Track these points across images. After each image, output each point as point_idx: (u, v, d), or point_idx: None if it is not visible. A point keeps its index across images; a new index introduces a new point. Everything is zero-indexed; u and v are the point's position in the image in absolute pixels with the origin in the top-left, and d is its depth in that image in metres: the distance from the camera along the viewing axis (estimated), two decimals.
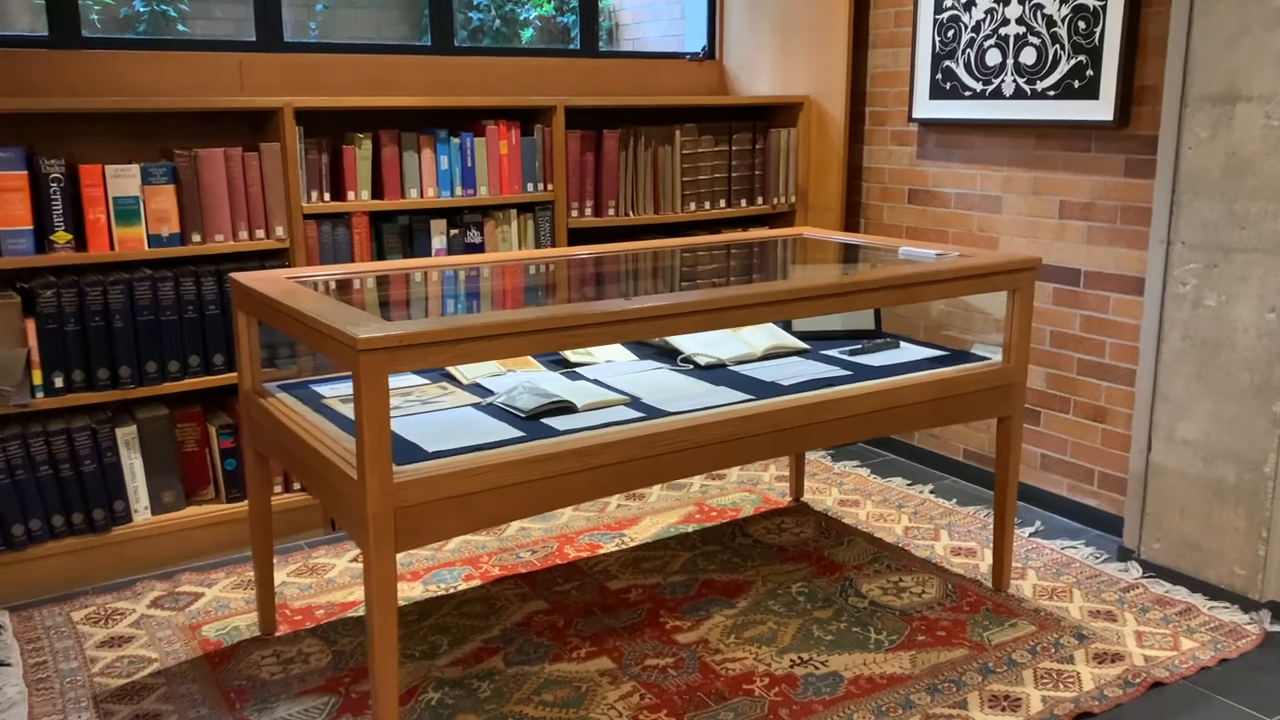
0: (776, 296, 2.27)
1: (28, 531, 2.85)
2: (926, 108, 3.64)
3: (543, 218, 3.49)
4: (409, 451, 2.07)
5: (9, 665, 2.55)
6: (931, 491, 3.64)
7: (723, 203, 3.89)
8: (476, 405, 2.40)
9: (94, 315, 2.87)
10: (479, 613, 2.79)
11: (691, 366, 2.73)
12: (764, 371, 2.68)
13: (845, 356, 2.83)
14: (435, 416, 2.31)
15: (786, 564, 3.07)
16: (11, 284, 2.86)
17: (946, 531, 3.31)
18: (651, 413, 2.33)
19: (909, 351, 2.90)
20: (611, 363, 2.78)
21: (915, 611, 2.79)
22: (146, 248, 2.93)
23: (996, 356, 2.79)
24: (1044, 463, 3.48)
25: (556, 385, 2.48)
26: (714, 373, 2.68)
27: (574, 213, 3.57)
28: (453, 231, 3.36)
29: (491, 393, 2.48)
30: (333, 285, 2.52)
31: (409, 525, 1.94)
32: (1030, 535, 3.28)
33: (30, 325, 2.80)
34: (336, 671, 2.51)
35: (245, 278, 2.44)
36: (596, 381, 2.58)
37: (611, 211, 3.64)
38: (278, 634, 2.70)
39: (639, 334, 2.14)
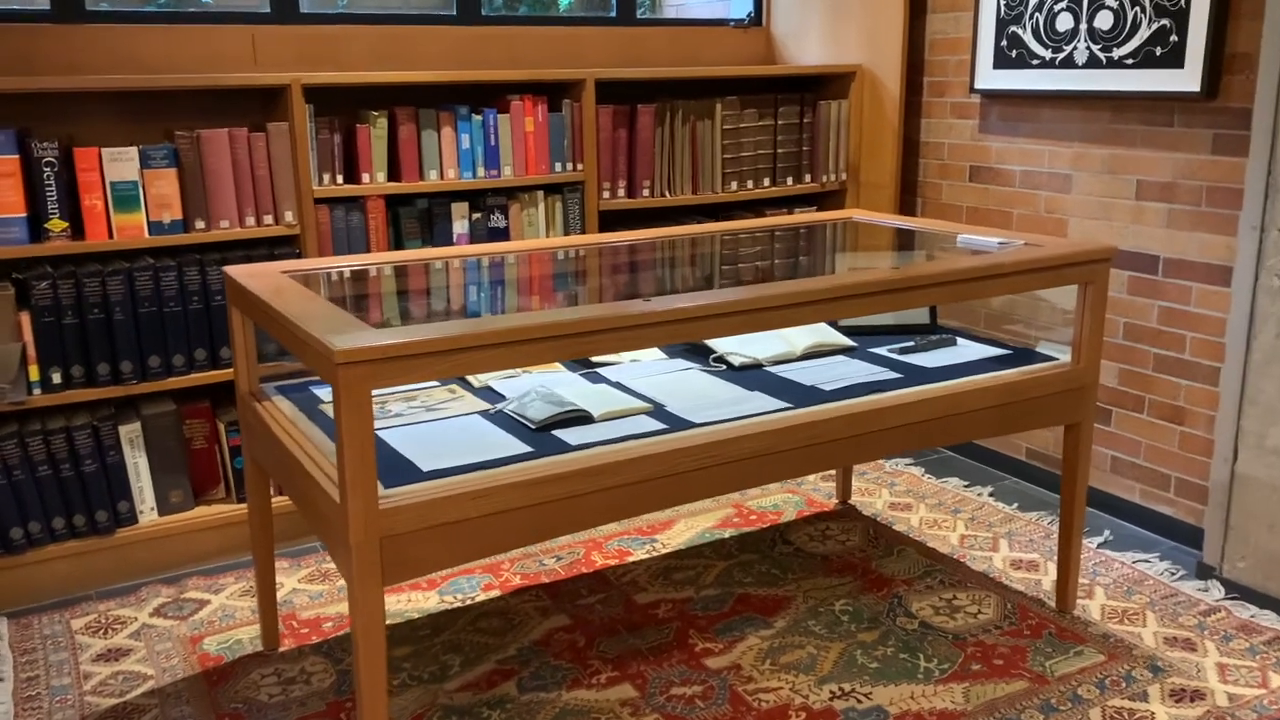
0: (811, 296, 2.03)
1: (27, 535, 2.71)
2: (990, 78, 3.34)
3: (572, 200, 3.26)
4: (401, 470, 1.88)
5: (1, 680, 2.42)
6: (991, 494, 3.38)
7: (767, 181, 3.63)
8: (485, 413, 2.19)
9: (93, 307, 2.71)
10: (495, 628, 2.60)
11: (724, 367, 2.50)
12: (804, 373, 2.44)
13: (895, 356, 2.58)
14: (438, 427, 2.11)
15: (830, 577, 2.84)
16: (6, 275, 2.71)
17: (1006, 541, 3.05)
18: (675, 423, 2.10)
19: (966, 349, 2.63)
20: (638, 362, 2.56)
21: (970, 635, 2.54)
22: (147, 235, 2.76)
23: (1064, 356, 2.51)
24: (1115, 466, 3.20)
25: (574, 390, 2.26)
26: (748, 375, 2.45)
27: (605, 194, 3.33)
28: (475, 215, 3.15)
29: (503, 397, 2.27)
30: (333, 280, 2.33)
31: (397, 556, 1.75)
32: (1098, 546, 3.01)
33: (25, 318, 2.65)
34: (338, 695, 2.34)
35: (238, 272, 2.25)
36: (619, 385, 2.36)
37: (646, 192, 3.40)
38: (281, 649, 2.53)
39: (656, 340, 1.91)
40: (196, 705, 2.31)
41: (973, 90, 3.40)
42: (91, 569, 2.81)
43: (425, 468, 1.88)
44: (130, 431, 2.83)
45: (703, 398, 2.26)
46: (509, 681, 2.38)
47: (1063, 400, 2.46)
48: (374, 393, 1.67)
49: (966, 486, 3.44)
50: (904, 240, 2.83)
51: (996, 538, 3.07)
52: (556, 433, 2.06)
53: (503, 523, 1.82)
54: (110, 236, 2.72)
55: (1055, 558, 2.89)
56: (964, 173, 3.54)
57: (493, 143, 3.13)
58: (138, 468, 2.85)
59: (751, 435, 2.04)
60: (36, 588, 2.75)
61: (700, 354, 2.60)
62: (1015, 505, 3.29)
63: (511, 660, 2.46)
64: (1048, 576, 2.84)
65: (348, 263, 2.46)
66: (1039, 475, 3.43)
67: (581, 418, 2.12)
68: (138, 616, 2.69)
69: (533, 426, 2.08)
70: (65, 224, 2.67)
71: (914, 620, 2.61)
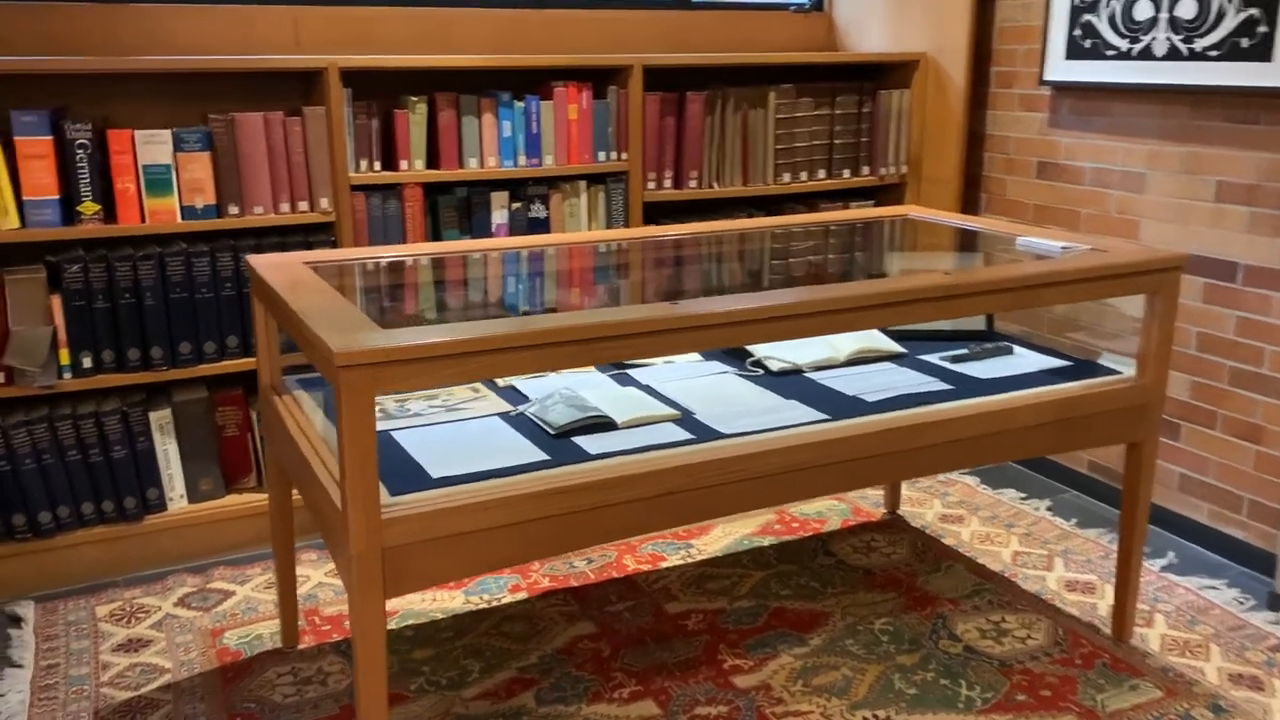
0: (845, 304, 1.89)
1: (55, 519, 2.70)
2: (1061, 69, 3.15)
3: (615, 190, 3.15)
4: (410, 475, 1.79)
5: (20, 667, 2.40)
6: (1048, 509, 3.21)
7: (822, 174, 3.48)
8: (506, 415, 2.10)
9: (124, 292, 2.67)
10: (519, 633, 2.52)
11: (761, 372, 2.38)
12: (847, 381, 2.31)
13: (947, 364, 2.43)
14: (455, 429, 2.02)
15: (872, 592, 2.70)
16: (39, 258, 2.68)
17: (1062, 560, 2.89)
18: (702, 433, 1.99)
19: (1023, 359, 2.48)
20: (671, 363, 2.45)
21: (1017, 662, 2.40)
22: (180, 220, 2.71)
23: (1129, 370, 2.35)
24: (1183, 484, 3.01)
25: (600, 393, 2.16)
26: (787, 381, 2.32)
27: (650, 184, 3.22)
28: (515, 205, 3.06)
29: (526, 398, 2.18)
30: (357, 273, 2.25)
31: (400, 567, 1.67)
32: (1161, 570, 2.83)
33: (56, 302, 2.62)
34: (353, 698, 2.27)
35: (260, 262, 2.19)
36: (648, 388, 2.25)
37: (694, 183, 3.28)
38: (300, 647, 2.48)
39: (679, 348, 1.80)
40: (210, 703, 2.27)
41: (1042, 82, 3.21)
42: (120, 555, 2.79)
43: (435, 474, 1.79)
44: (161, 418, 2.80)
45: (735, 405, 2.14)
46: (528, 692, 2.30)
47: (1125, 418, 2.29)
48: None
49: (1023, 499, 3.27)
50: (960, 241, 2.68)
51: (1051, 556, 2.91)
52: (577, 439, 1.96)
53: (512, 535, 1.73)
54: (143, 220, 2.68)
55: (1114, 579, 2.72)
56: (1031, 169, 3.35)
57: (535, 130, 3.03)
58: (168, 454, 2.82)
59: (782, 449, 1.92)
60: (65, 572, 2.74)
61: (738, 356, 2.48)
62: (1074, 521, 3.12)
63: (532, 669, 2.38)
64: (1104, 601, 2.67)
65: (375, 254, 2.38)
66: (1101, 490, 3.25)
67: (604, 424, 2.01)
68: (162, 606, 2.66)
69: (552, 432, 1.98)
70: (98, 207, 2.63)
71: (958, 643, 2.47)
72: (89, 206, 2.62)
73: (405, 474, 1.80)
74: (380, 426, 2.04)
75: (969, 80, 3.40)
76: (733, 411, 2.10)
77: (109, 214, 2.67)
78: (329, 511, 1.74)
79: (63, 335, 2.64)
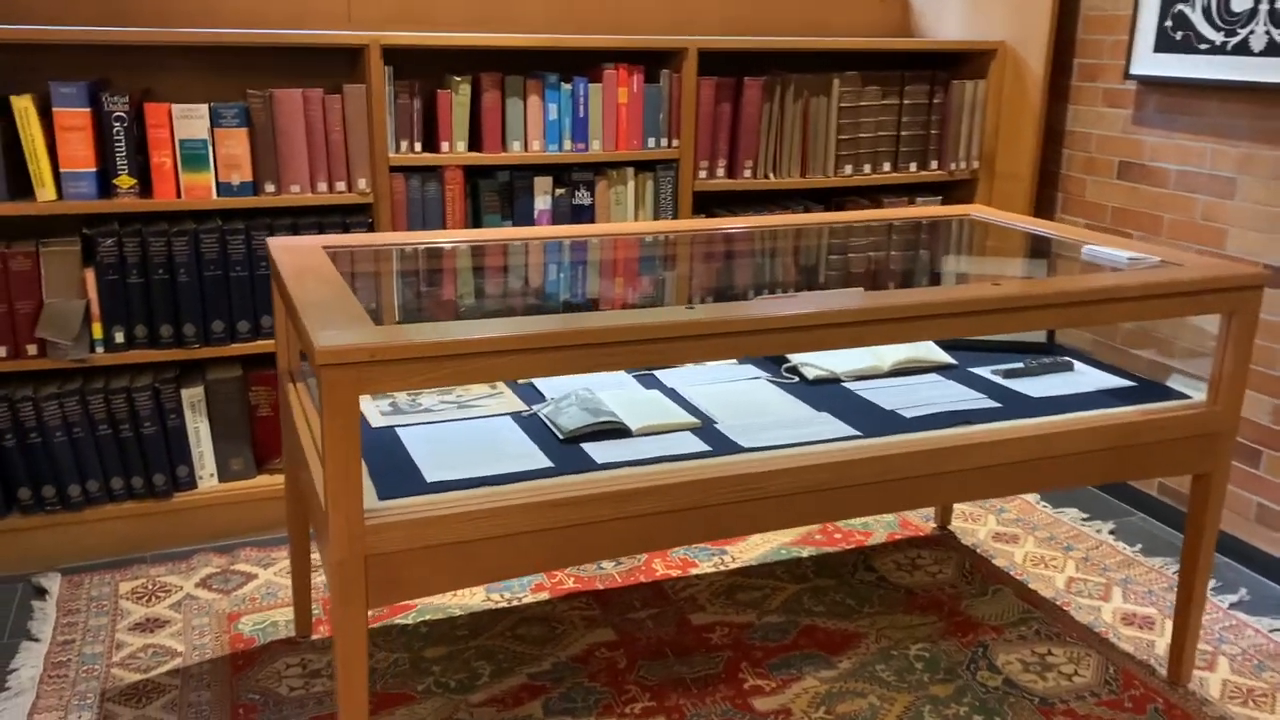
0: (876, 315, 1.75)
1: (85, 493, 2.69)
2: (1149, 62, 2.93)
3: (664, 178, 3.03)
4: (405, 478, 1.71)
5: (37, 641, 2.39)
6: (1112, 532, 3.01)
7: (887, 166, 3.31)
8: (519, 415, 2.01)
9: (158, 268, 2.64)
10: (536, 636, 2.44)
11: (796, 379, 2.25)
12: (887, 393, 2.16)
13: (998, 379, 2.27)
14: (463, 428, 1.94)
15: (911, 614, 2.56)
16: (75, 230, 2.67)
17: (1120, 590, 2.70)
18: (721, 445, 1.87)
19: (1083, 376, 2.30)
20: (701, 365, 2.33)
21: (1060, 700, 2.24)
22: (215, 196, 2.67)
23: (1199, 394, 2.16)
24: (1260, 514, 2.79)
25: (619, 396, 2.06)
26: (823, 390, 2.19)
27: (702, 173, 3.09)
28: (559, 191, 2.96)
29: (542, 397, 2.08)
30: (375, 260, 2.17)
31: (384, 577, 1.59)
32: (1230, 607, 2.63)
33: (90, 275, 2.61)
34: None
35: (278, 244, 2.12)
36: (672, 392, 2.14)
37: (748, 173, 3.14)
38: (314, 637, 2.43)
39: (691, 356, 1.68)
40: (216, 691, 2.23)
41: (1128, 76, 3.00)
42: (148, 532, 2.78)
43: (430, 477, 1.71)
44: (193, 395, 2.77)
45: (761, 415, 2.02)
46: (536, 701, 2.21)
47: (1192, 447, 2.11)
48: None
49: (1085, 520, 3.08)
50: (1023, 246, 2.50)
51: (1110, 584, 2.72)
52: (587, 445, 1.86)
53: (504, 548, 1.64)
54: (178, 196, 2.65)
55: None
56: (1112, 168, 3.14)
57: (582, 114, 2.92)
58: (199, 432, 2.80)
59: (802, 468, 1.79)
60: (93, 546, 2.73)
61: (774, 361, 2.35)
62: (1138, 547, 2.92)
63: (544, 676, 2.29)
64: (1163, 638, 2.49)
65: (400, 241, 2.30)
66: (1171, 515, 3.04)
67: (617, 430, 1.91)
68: (184, 586, 2.64)
69: (561, 437, 1.88)
70: (134, 181, 2.60)
71: (998, 676, 2.32)
72: (125, 180, 2.60)
73: (400, 475, 1.72)
74: (387, 422, 1.96)
75: (1049, 72, 3.19)
76: (757, 423, 1.97)
77: (145, 188, 2.64)
78: (316, 510, 1.67)
79: (96, 309, 2.63)
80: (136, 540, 2.77)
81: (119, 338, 2.66)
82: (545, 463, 1.78)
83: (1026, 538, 2.97)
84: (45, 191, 2.54)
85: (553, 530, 1.65)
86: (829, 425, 1.96)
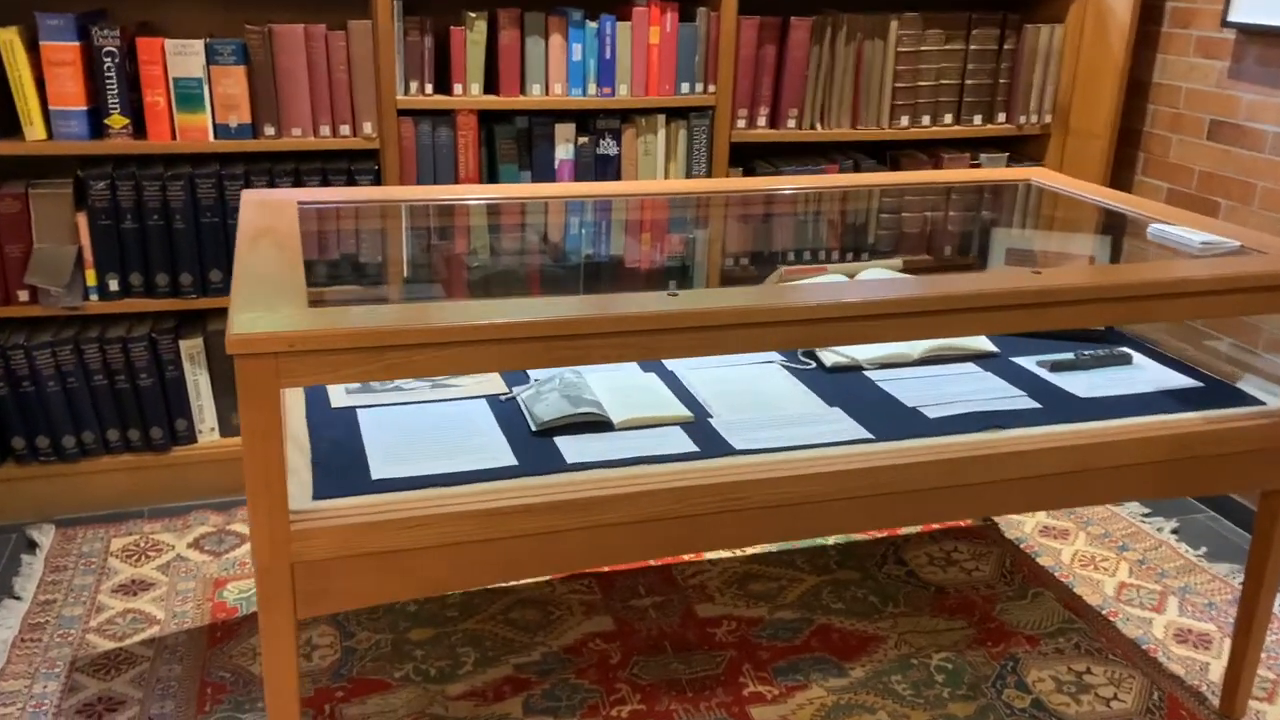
0: (886, 309, 1.52)
1: (80, 444, 2.60)
2: (1250, 7, 2.58)
3: (698, 127, 2.79)
4: (350, 474, 1.55)
5: (19, 599, 2.32)
6: (1174, 531, 2.74)
7: (948, 118, 3.02)
8: (494, 399, 1.83)
9: (152, 213, 2.51)
10: (529, 622, 2.29)
11: (813, 365, 2.02)
12: (913, 386, 1.93)
13: (1043, 373, 2.02)
14: (429, 413, 1.77)
15: (938, 617, 2.35)
16: (69, 173, 2.54)
17: (1177, 600, 2.45)
18: (711, 444, 1.67)
19: (1141, 372, 2.04)
20: None
21: None
22: (212, 139, 2.52)
23: (1273, 400, 1.89)
24: None
25: (609, 381, 1.86)
26: (841, 380, 1.96)
27: (741, 122, 2.84)
28: (582, 140, 2.74)
29: (525, 378, 1.90)
30: (352, 220, 2.00)
31: (314, 586, 1.43)
32: None
33: (82, 219, 2.49)
34: (333, 680, 2.10)
35: (252, 198, 1.96)
36: (671, 375, 1.94)
37: (792, 123, 2.87)
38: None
39: (667, 352, 1.48)
40: (187, 665, 2.13)
41: (1225, 23, 2.65)
42: (145, 485, 2.69)
43: (376, 473, 1.55)
44: (191, 347, 2.65)
45: (764, 409, 1.81)
46: (517, 697, 2.07)
47: (1261, 461, 1.84)
48: None
49: (1145, 516, 2.81)
50: (1084, 220, 2.22)
51: (1165, 594, 2.47)
52: (563, 438, 1.68)
53: (448, 558, 1.47)
54: (173, 138, 2.50)
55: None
56: (1201, 127, 2.81)
57: (609, 55, 2.69)
58: (198, 385, 2.69)
59: (794, 477, 1.58)
60: (89, 498, 2.66)
61: None
62: (1202, 550, 2.66)
63: (530, 668, 2.15)
64: (1219, 660, 2.24)
65: (386, 197, 2.12)
66: (1243, 514, 2.76)
67: (598, 423, 1.72)
68: (175, 545, 2.55)
69: (534, 428, 1.70)
70: (126, 121, 2.46)
71: (1026, 696, 2.11)
72: (117, 120, 2.46)
73: (344, 470, 1.56)
74: (350, 401, 1.80)
75: (1136, 17, 2.85)
76: (757, 418, 1.76)
77: (138, 129, 2.50)
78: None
79: (89, 255, 2.51)
80: (134, 494, 2.69)
81: (113, 285, 2.54)
82: (509, 459, 1.60)
83: (1078, 534, 2.72)
84: (34, 130, 2.42)
85: (504, 540, 1.48)
86: (837, 425, 1.75)
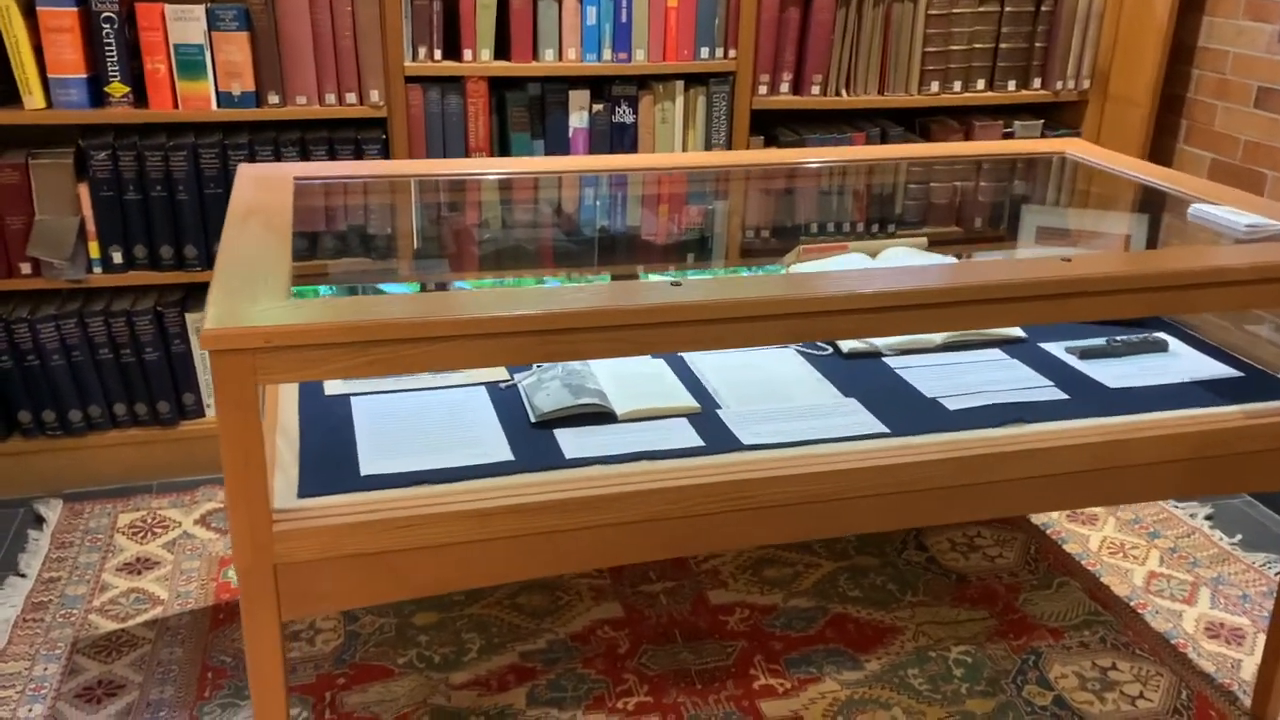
0: (897, 300, 1.43)
1: (86, 418, 2.57)
2: None
3: (718, 94, 2.68)
4: (335, 470, 1.49)
5: (24, 577, 2.30)
6: (1208, 519, 2.64)
7: (981, 84, 2.89)
8: (495, 386, 1.76)
9: (155, 184, 2.45)
10: (536, 608, 2.24)
11: (829, 351, 1.94)
12: (934, 374, 1.84)
13: (1072, 360, 1.92)
14: (427, 402, 1.70)
15: (959, 607, 2.27)
16: (69, 142, 2.48)
17: (1209, 591, 2.36)
18: (717, 438, 1.60)
19: (1178, 360, 1.94)
20: None
21: None
22: (215, 107, 2.45)
23: None
24: None
25: (616, 370, 1.79)
26: (858, 367, 1.88)
27: (763, 89, 2.73)
28: (597, 107, 2.64)
29: (529, 368, 1.83)
30: (349, 198, 1.92)
31: (297, 588, 1.38)
32: None
33: (84, 190, 2.43)
34: (336, 666, 2.06)
35: (248, 173, 1.90)
36: (681, 364, 1.86)
37: (816, 89, 2.76)
38: None
39: (674, 344, 1.40)
40: (188, 649, 2.10)
41: None
42: (153, 460, 2.66)
43: (366, 469, 1.49)
44: (198, 320, 2.60)
45: (776, 399, 1.73)
46: (521, 687, 2.02)
47: None
48: None
49: (1178, 501, 2.71)
50: (1119, 198, 2.11)
51: (1197, 584, 2.38)
52: (563, 430, 1.61)
53: (438, 559, 1.41)
54: (175, 106, 2.43)
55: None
56: (1249, 94, 2.66)
57: (625, 19, 2.58)
58: (205, 359, 2.64)
59: (802, 475, 1.51)
60: (97, 472, 2.63)
61: None
62: (1238, 538, 2.56)
63: (536, 656, 2.10)
64: (1252, 657, 2.15)
65: (389, 172, 2.04)
66: None
67: (601, 414, 1.65)
68: (182, 522, 2.51)
69: (533, 419, 1.63)
70: (126, 89, 2.39)
71: (1048, 693, 2.03)
72: (117, 88, 2.39)
73: (333, 465, 1.50)
74: (344, 389, 1.74)
75: None
76: (768, 409, 1.68)
77: (140, 97, 2.43)
78: None
79: (91, 227, 2.46)
80: (142, 468, 2.65)
81: (117, 258, 2.49)
82: (506, 454, 1.54)
83: (1107, 519, 2.63)
84: (33, 99, 2.36)
85: (496, 541, 1.42)
86: (851, 417, 1.66)
